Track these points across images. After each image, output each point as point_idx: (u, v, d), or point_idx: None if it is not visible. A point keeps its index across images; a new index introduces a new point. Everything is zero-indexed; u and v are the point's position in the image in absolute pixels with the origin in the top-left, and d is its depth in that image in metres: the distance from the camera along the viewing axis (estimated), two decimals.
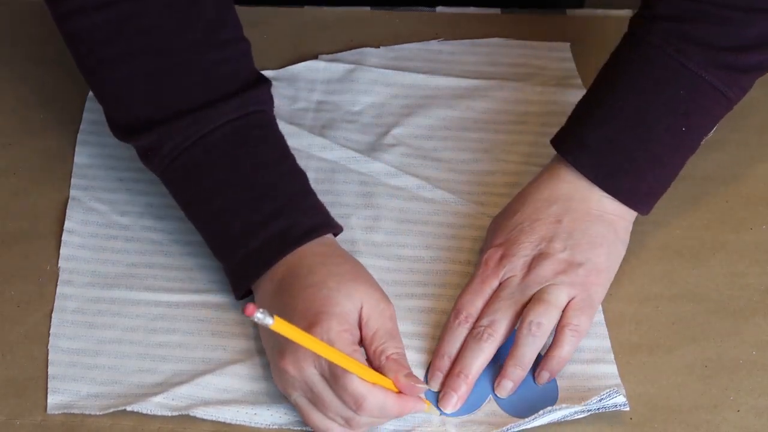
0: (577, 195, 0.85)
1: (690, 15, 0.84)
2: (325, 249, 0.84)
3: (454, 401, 0.81)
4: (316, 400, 0.78)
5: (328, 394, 0.77)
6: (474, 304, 0.84)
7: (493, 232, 0.87)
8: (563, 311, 0.82)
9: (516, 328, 0.83)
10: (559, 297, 0.82)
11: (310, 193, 0.87)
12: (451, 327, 0.84)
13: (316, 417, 0.78)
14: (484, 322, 0.82)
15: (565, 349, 0.82)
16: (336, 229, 0.86)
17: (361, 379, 0.76)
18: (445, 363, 0.83)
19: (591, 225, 0.85)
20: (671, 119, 0.85)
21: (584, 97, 0.89)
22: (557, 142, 0.88)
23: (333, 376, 0.76)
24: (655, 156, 0.85)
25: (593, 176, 0.85)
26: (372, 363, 0.79)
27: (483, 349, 0.82)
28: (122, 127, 0.88)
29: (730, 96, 0.85)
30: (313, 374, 0.77)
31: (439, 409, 0.82)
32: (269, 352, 0.82)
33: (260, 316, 0.68)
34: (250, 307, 0.67)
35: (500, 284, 0.84)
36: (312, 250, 0.83)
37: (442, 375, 0.83)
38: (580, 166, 0.85)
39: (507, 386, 0.82)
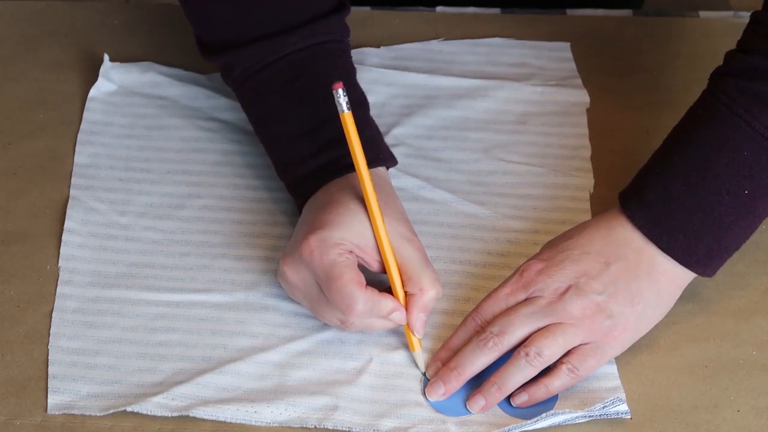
0: (633, 245, 0.83)
1: (761, 73, 0.81)
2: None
3: (440, 392, 0.81)
4: (313, 303, 0.83)
5: (323, 297, 0.81)
6: (494, 313, 0.83)
7: (545, 247, 0.86)
8: (571, 350, 0.81)
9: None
10: (573, 339, 0.81)
11: (367, 126, 0.89)
12: (466, 326, 0.84)
13: (319, 315, 0.84)
14: (494, 329, 0.81)
15: (555, 383, 0.81)
16: (389, 163, 0.90)
17: (353, 283, 0.79)
18: (447, 356, 0.83)
19: (636, 280, 0.82)
20: (733, 181, 0.81)
21: (655, 151, 0.86)
22: (622, 194, 0.85)
23: (328, 279, 0.80)
24: (715, 217, 0.81)
25: (647, 232, 0.82)
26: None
27: (484, 354, 0.81)
28: (204, 46, 0.95)
29: None
30: (309, 278, 0.82)
31: (426, 399, 0.82)
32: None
33: (342, 96, 0.80)
34: (339, 84, 0.79)
35: (526, 299, 0.83)
36: (353, 180, 0.85)
37: (441, 366, 0.83)
38: (636, 221, 0.83)
39: (479, 403, 0.81)
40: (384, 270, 0.83)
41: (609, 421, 0.81)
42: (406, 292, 0.83)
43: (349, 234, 0.82)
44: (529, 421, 0.80)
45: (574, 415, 0.80)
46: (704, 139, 0.82)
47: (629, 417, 0.80)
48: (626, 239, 0.83)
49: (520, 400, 0.81)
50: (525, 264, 0.84)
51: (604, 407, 0.80)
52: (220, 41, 0.93)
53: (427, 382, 0.83)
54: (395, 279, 0.83)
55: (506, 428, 0.80)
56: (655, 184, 0.83)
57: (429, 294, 0.83)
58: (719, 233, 0.82)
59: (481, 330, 0.82)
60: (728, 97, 0.81)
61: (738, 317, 0.87)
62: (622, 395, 0.81)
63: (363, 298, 0.80)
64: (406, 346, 0.85)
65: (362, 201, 0.83)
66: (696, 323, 0.86)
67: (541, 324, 0.81)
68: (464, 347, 0.82)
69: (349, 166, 0.85)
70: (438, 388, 0.82)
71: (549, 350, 0.80)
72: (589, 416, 0.80)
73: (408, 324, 0.83)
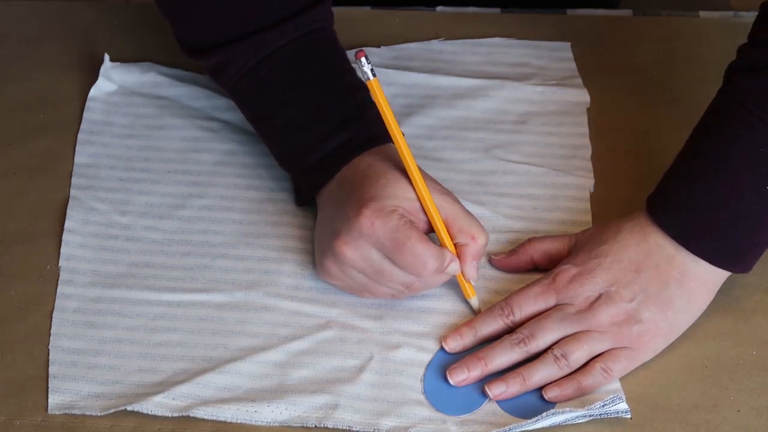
0: (664, 252, 0.83)
1: None
2: (384, 155, 0.87)
3: (462, 377, 0.82)
4: (376, 276, 0.83)
5: (388, 265, 0.82)
6: (521, 307, 0.84)
7: (580, 246, 0.86)
8: (604, 352, 0.82)
9: None
10: (600, 345, 0.82)
11: (369, 107, 0.89)
12: (492, 312, 0.85)
13: (377, 290, 0.84)
14: (526, 332, 0.83)
15: (589, 381, 0.81)
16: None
17: (422, 241, 0.81)
18: (468, 334, 0.84)
19: (667, 287, 0.83)
20: (752, 178, 0.81)
21: (678, 153, 0.86)
22: (648, 199, 0.85)
23: (396, 243, 0.81)
24: (741, 215, 0.81)
25: (675, 236, 0.83)
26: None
27: (513, 352, 0.82)
28: (190, 47, 0.94)
29: None
30: (371, 250, 0.82)
31: (426, 398, 0.82)
32: (319, 242, 0.86)
33: (365, 64, 0.81)
34: (362, 53, 0.81)
35: (556, 305, 0.84)
36: (374, 154, 0.87)
37: (461, 341, 0.84)
38: (664, 227, 0.83)
39: (500, 389, 0.82)
40: (430, 229, 0.85)
41: (609, 421, 0.81)
42: (456, 244, 0.85)
43: (397, 201, 0.83)
44: (529, 421, 0.80)
45: (574, 414, 0.80)
46: (720, 139, 0.83)
47: (629, 416, 0.80)
48: (658, 246, 0.83)
49: (552, 393, 0.81)
50: (558, 268, 0.85)
51: (603, 405, 0.80)
52: (209, 41, 0.92)
53: (427, 381, 0.83)
54: (444, 234, 0.84)
55: (506, 428, 0.80)
56: (677, 188, 0.84)
57: (480, 241, 0.85)
58: (746, 230, 0.82)
59: (514, 332, 0.83)
60: (740, 95, 0.82)
61: (738, 317, 0.87)
62: (622, 395, 0.81)
63: (434, 254, 0.82)
64: (407, 345, 0.85)
65: (397, 168, 0.85)
66: (696, 323, 0.86)
67: (570, 331, 0.82)
68: (495, 343, 0.83)
69: (365, 143, 0.87)
70: (461, 373, 0.82)
71: (575, 355, 0.81)
72: (589, 415, 0.80)
73: (463, 273, 0.85)
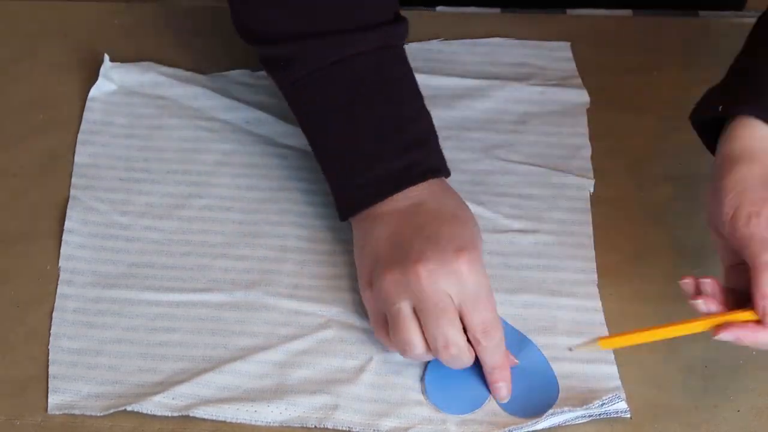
0: None
1: None
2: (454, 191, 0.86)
3: None
4: (436, 314, 0.79)
5: (454, 312, 0.79)
6: None
7: (732, 193, 0.77)
8: None
9: None
10: None
11: (436, 134, 0.89)
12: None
13: (412, 329, 0.80)
14: None
15: None
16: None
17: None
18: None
19: None
20: None
21: (739, 59, 0.83)
22: (731, 106, 0.80)
23: (481, 296, 0.79)
24: None
25: None
26: None
27: None
28: (253, 31, 0.88)
29: None
30: (450, 288, 0.79)
31: (426, 398, 0.82)
32: (380, 257, 0.82)
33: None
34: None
35: None
36: (445, 186, 0.86)
37: None
38: None
39: None
40: None
41: (609, 421, 0.81)
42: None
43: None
44: (529, 422, 0.80)
45: (573, 414, 0.80)
46: None
47: (629, 416, 0.81)
48: None
49: None
50: (738, 223, 0.76)
51: (602, 405, 0.80)
52: (279, 31, 0.86)
53: (428, 381, 0.83)
54: None
55: (507, 428, 0.80)
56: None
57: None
58: None
59: None
60: None
61: None
62: (622, 394, 0.81)
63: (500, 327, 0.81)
64: None
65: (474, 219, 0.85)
66: None
67: None
68: None
69: (434, 170, 0.85)
70: None
71: None
72: (589, 415, 0.80)
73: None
